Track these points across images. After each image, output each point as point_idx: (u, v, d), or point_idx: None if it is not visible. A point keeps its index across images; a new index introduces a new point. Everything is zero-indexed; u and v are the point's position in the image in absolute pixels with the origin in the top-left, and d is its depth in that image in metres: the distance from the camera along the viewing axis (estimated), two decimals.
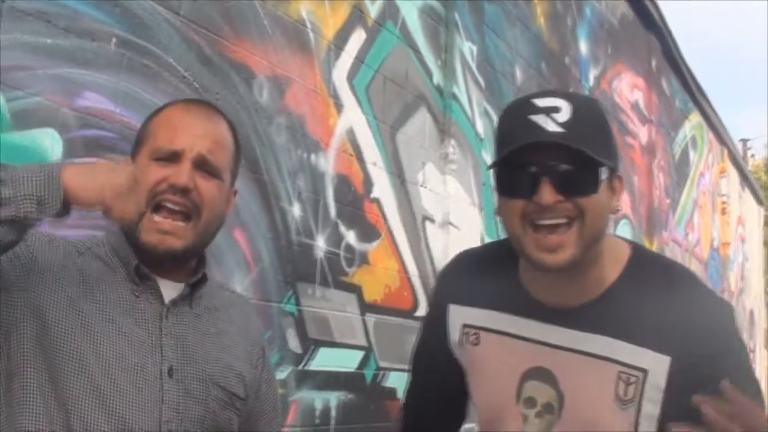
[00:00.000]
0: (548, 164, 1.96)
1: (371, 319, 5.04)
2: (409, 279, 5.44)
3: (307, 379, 4.51)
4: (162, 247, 2.07)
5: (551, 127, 1.94)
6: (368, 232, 5.07)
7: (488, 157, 6.30)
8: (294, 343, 4.43)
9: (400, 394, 5.15)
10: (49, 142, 3.21)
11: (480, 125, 6.21)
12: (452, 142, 5.84)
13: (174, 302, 2.13)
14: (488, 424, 2.25)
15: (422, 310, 5.52)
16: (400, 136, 5.41)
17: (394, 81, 5.36)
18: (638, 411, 2.05)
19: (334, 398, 4.71)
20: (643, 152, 9.76)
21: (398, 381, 5.20)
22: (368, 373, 5.00)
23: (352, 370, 4.89)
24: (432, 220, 5.67)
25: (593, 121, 2.03)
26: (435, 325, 2.34)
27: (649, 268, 2.15)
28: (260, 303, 4.20)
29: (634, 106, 9.63)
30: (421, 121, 5.64)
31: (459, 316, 2.27)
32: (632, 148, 9.43)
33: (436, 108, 5.79)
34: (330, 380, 4.69)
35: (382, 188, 5.21)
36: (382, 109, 5.23)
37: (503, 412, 2.18)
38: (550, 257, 1.98)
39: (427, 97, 5.70)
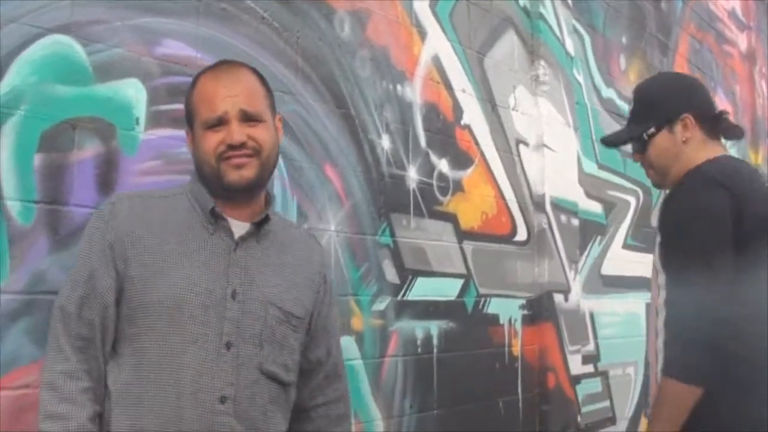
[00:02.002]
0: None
1: (469, 246, 5.04)
2: (506, 204, 5.42)
3: (406, 309, 4.55)
4: (241, 180, 2.54)
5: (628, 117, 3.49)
6: (461, 160, 5.06)
7: (580, 77, 6.22)
8: (391, 275, 4.46)
9: (503, 320, 5.19)
10: (133, 92, 3.27)
11: (570, 44, 6.11)
12: (542, 63, 5.77)
13: (242, 238, 2.59)
14: None
15: (521, 235, 5.50)
16: (488, 60, 5.36)
17: (478, 5, 5.30)
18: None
19: (434, 327, 4.73)
20: (743, 60, 9.52)
21: (500, 307, 5.22)
22: (468, 301, 5.01)
23: (452, 298, 4.90)
24: (526, 144, 5.63)
25: (639, 104, 3.43)
26: None
27: (696, 172, 3.22)
28: (355, 236, 4.24)
29: (731, 14, 9.38)
30: (508, 44, 5.58)
31: None
32: (731, 57, 9.21)
33: (523, 30, 5.72)
34: (430, 309, 4.71)
35: (473, 114, 5.18)
36: (468, 35, 5.19)
37: None
38: (652, 180, 3.49)
39: (514, 19, 5.64)
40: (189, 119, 2.66)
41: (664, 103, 3.34)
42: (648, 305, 3.49)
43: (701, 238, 3.00)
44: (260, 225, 2.63)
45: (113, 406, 2.46)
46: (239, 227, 2.59)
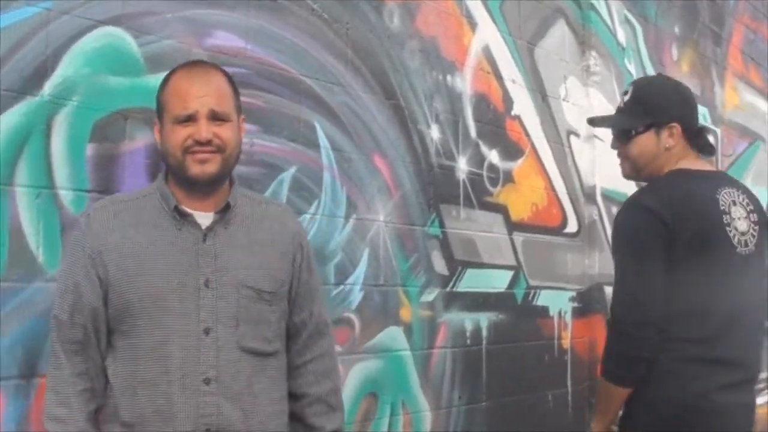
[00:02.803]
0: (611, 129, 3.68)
1: (519, 237, 5.03)
2: (556, 195, 5.40)
3: (455, 300, 4.55)
4: (203, 174, 2.69)
5: (621, 105, 3.63)
6: (511, 150, 5.05)
7: (632, 67, 6.18)
8: (440, 266, 4.46)
9: (552, 312, 5.17)
10: None
11: (621, 34, 6.08)
12: (593, 53, 5.74)
13: (209, 228, 2.75)
14: None
15: (572, 227, 5.49)
16: (539, 51, 5.34)
17: None
18: None
19: (484, 319, 4.73)
20: None
21: (550, 299, 5.21)
22: (518, 293, 5.01)
23: (501, 290, 4.90)
24: (577, 135, 5.60)
25: (639, 99, 3.55)
26: None
27: (657, 181, 3.52)
28: (404, 227, 4.24)
29: None
30: (559, 34, 5.55)
31: None
32: None
33: (574, 20, 5.69)
34: (479, 301, 4.71)
35: (523, 105, 5.16)
36: (518, 25, 5.17)
37: None
38: (622, 171, 3.64)
39: (565, 9, 5.60)
40: (159, 112, 2.77)
41: (659, 106, 3.52)
42: None
43: (631, 254, 3.38)
44: (224, 213, 2.78)
45: (118, 396, 2.66)
46: (205, 218, 2.75)
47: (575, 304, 5.43)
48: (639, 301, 3.28)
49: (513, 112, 5.07)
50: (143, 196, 2.79)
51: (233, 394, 2.69)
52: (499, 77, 4.98)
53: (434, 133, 4.48)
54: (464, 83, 4.72)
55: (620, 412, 3.48)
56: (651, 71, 6.47)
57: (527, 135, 5.17)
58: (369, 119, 4.09)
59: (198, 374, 2.65)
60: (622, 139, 3.56)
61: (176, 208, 2.72)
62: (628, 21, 6.20)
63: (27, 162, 2.81)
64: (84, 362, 2.65)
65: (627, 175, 3.64)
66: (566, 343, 5.35)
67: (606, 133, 5.60)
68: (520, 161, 5.10)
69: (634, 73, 6.20)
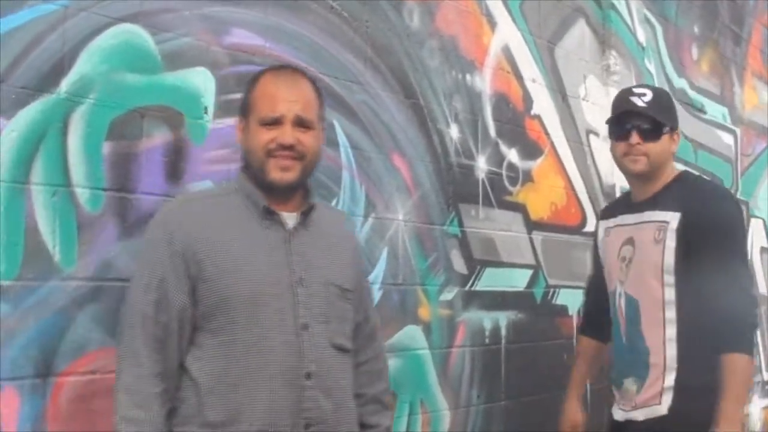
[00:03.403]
0: (637, 124, 3.67)
1: (538, 237, 5.02)
2: (576, 195, 5.39)
3: (474, 299, 4.54)
4: (282, 180, 2.76)
5: (640, 103, 3.67)
6: (531, 150, 5.03)
7: (651, 66, 6.15)
8: (459, 265, 4.45)
9: (572, 310, 5.16)
10: (201, 80, 3.29)
11: (641, 34, 6.06)
12: (613, 53, 5.72)
13: (294, 229, 2.81)
14: (608, 281, 3.87)
15: (591, 226, 5.45)
16: (559, 50, 5.32)
17: None
18: (664, 244, 3.60)
19: (503, 317, 4.72)
20: None
21: (569, 298, 5.18)
22: (538, 292, 4.99)
23: (520, 289, 4.88)
24: (596, 134, 5.58)
25: (663, 99, 3.76)
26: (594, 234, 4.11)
27: (688, 178, 3.85)
28: (423, 226, 4.23)
29: None
30: (579, 33, 5.53)
31: (602, 225, 3.99)
32: None
33: (594, 19, 5.66)
34: (498, 300, 4.70)
35: (543, 104, 5.15)
36: (538, 24, 5.16)
37: (611, 269, 3.84)
38: (633, 165, 3.70)
39: (585, 9, 5.58)
40: (244, 111, 2.83)
41: (675, 112, 3.82)
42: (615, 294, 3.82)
43: (741, 243, 3.77)
44: (306, 215, 2.85)
45: (205, 395, 2.65)
46: (289, 218, 2.81)
47: None
48: (751, 294, 3.68)
49: (532, 112, 5.05)
50: (227, 194, 2.86)
51: (327, 389, 2.75)
52: (518, 76, 4.96)
53: (453, 132, 4.47)
54: (484, 82, 4.70)
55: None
56: (671, 71, 6.46)
57: (547, 134, 5.15)
58: (388, 118, 4.08)
59: (300, 368, 2.69)
60: (649, 135, 3.66)
61: (265, 208, 2.77)
62: (647, 20, 6.18)
63: (43, 160, 2.79)
64: (163, 362, 2.65)
65: (640, 171, 3.70)
66: None
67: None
68: (539, 160, 5.08)
69: (654, 72, 6.18)
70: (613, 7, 5.76)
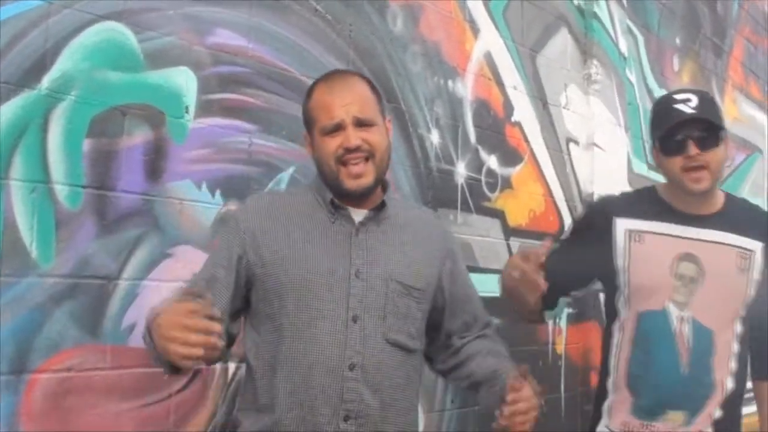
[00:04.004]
0: (691, 133, 3.22)
1: (516, 243, 5.02)
2: (554, 202, 5.40)
3: None
4: (359, 188, 2.78)
5: (688, 110, 3.23)
6: (510, 156, 5.04)
7: (632, 77, 6.18)
8: None
9: (547, 317, 5.15)
10: (184, 80, 3.29)
11: (623, 44, 6.08)
12: (595, 62, 5.74)
13: (362, 223, 2.84)
14: (641, 296, 3.33)
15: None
16: (540, 58, 5.34)
17: (533, 3, 5.28)
18: (749, 275, 3.32)
19: None
20: None
21: None
22: None
23: (496, 294, 4.87)
24: (576, 142, 5.60)
25: (713, 104, 3.35)
26: (596, 227, 3.44)
27: (738, 199, 3.56)
28: None
29: None
30: (562, 42, 5.55)
31: (622, 224, 3.39)
32: None
33: (577, 28, 5.69)
34: None
35: (524, 111, 5.16)
36: (521, 32, 5.17)
37: (658, 285, 3.30)
38: (696, 185, 3.25)
39: (568, 17, 5.61)
40: (308, 125, 2.88)
41: (722, 115, 3.43)
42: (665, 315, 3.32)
43: None
44: (378, 211, 2.87)
45: (258, 380, 2.76)
46: (359, 214, 2.85)
47: (570, 311, 5.41)
48: None
49: (513, 119, 5.07)
50: (299, 192, 2.98)
51: (374, 384, 2.74)
52: (500, 83, 4.98)
53: (434, 137, 4.48)
54: (465, 88, 4.72)
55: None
56: (652, 81, 6.48)
57: (527, 141, 5.17)
58: None
59: (344, 359, 2.71)
60: (707, 143, 3.25)
61: (332, 202, 2.82)
62: (630, 31, 6.20)
63: (23, 156, 2.79)
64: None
65: (705, 189, 3.28)
66: (560, 349, 5.35)
67: (606, 142, 5.65)
68: (518, 167, 5.10)
69: (635, 83, 6.20)
70: (595, 16, 5.78)
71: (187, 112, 3.29)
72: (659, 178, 3.63)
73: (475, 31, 4.81)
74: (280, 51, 3.67)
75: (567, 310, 5.37)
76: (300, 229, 2.80)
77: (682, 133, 3.24)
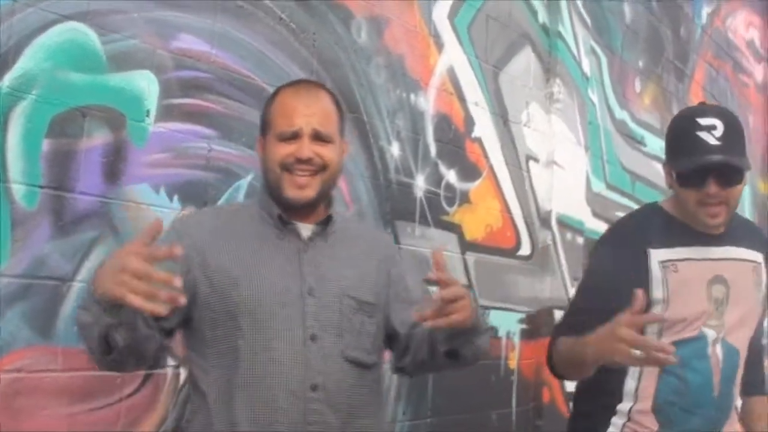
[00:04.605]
0: (715, 170, 2.97)
1: (472, 257, 5.05)
2: (512, 218, 5.43)
3: None
4: (301, 199, 2.71)
5: (712, 141, 2.96)
6: (469, 172, 5.07)
7: (594, 97, 6.23)
8: None
9: (501, 332, 5.19)
10: (146, 84, 3.29)
11: (586, 64, 6.13)
12: (557, 81, 5.78)
13: (310, 239, 2.76)
14: (680, 326, 3.11)
15: (525, 250, 5.51)
16: (503, 75, 5.37)
17: (498, 20, 5.32)
18: (760, 288, 3.27)
19: None
20: (758, 90, 9.50)
21: (499, 319, 5.22)
22: None
23: None
24: (536, 160, 5.64)
25: (739, 133, 3.06)
26: (631, 260, 3.10)
27: (735, 215, 3.26)
28: None
29: (749, 44, 9.37)
30: (525, 60, 5.59)
31: (655, 256, 3.12)
32: (747, 87, 9.20)
33: (541, 47, 5.73)
34: None
35: (484, 127, 5.19)
36: (485, 49, 5.21)
37: (697, 314, 3.12)
38: (712, 220, 3.06)
39: (532, 36, 5.65)
40: (264, 128, 2.80)
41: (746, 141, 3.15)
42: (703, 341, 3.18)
43: None
44: (324, 225, 2.80)
45: (212, 405, 2.62)
46: (306, 229, 2.77)
47: (524, 326, 5.45)
48: None
49: (473, 134, 5.09)
50: (241, 207, 2.93)
51: (335, 403, 2.65)
52: (462, 99, 5.00)
53: (394, 149, 4.49)
54: (427, 102, 4.74)
55: None
56: (613, 102, 6.54)
57: (486, 157, 5.19)
58: None
59: (306, 380, 2.62)
60: (729, 181, 3.03)
61: (279, 217, 2.74)
62: (593, 51, 6.25)
63: None
64: None
65: (720, 224, 3.11)
66: (513, 364, 5.38)
67: (565, 160, 5.69)
68: (477, 182, 5.12)
69: (597, 103, 6.25)
70: (560, 35, 5.82)
71: (148, 115, 3.28)
72: (617, 198, 3.65)
73: (439, 45, 4.84)
74: (243, 58, 3.68)
75: (521, 326, 5.41)
76: (249, 247, 2.71)
77: (703, 168, 2.99)
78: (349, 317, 2.72)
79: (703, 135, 2.98)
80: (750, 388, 3.42)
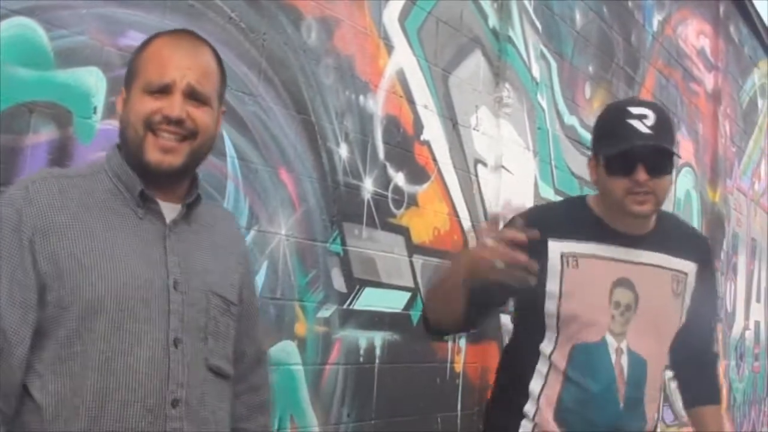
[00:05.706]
0: (643, 157, 2.95)
1: (419, 260, 5.06)
2: (459, 222, 5.45)
3: (351, 318, 4.57)
4: (164, 165, 2.28)
5: (644, 129, 2.95)
6: (418, 175, 5.08)
7: (544, 102, 6.26)
8: (339, 283, 4.48)
9: (447, 336, 5.20)
10: (93, 81, 3.27)
11: (536, 69, 6.16)
12: (507, 85, 5.81)
13: (175, 222, 2.35)
14: (576, 326, 3.07)
15: None
16: (453, 79, 5.39)
17: (448, 23, 5.34)
18: (683, 299, 3.19)
19: (378, 338, 4.75)
20: (708, 99, 9.61)
21: None
22: (414, 314, 5.02)
23: (398, 310, 4.93)
24: (484, 164, 5.66)
25: (669, 124, 3.08)
26: (528, 246, 2.73)
27: (669, 215, 3.38)
28: (305, 242, 4.25)
29: (700, 53, 9.47)
30: (474, 64, 5.61)
31: (556, 247, 3.07)
32: (697, 95, 9.30)
33: (491, 51, 5.76)
34: (375, 320, 4.73)
35: (433, 131, 5.21)
36: (435, 52, 5.22)
37: (595, 314, 3.07)
38: (639, 207, 3.01)
39: (482, 40, 5.67)
40: (128, 79, 2.37)
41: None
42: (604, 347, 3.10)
43: None
44: (191, 206, 2.41)
45: (50, 421, 2.15)
46: (169, 210, 2.35)
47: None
48: None
49: (422, 137, 5.11)
50: (91, 174, 2.35)
51: (199, 421, 2.29)
52: (411, 101, 5.02)
53: (343, 151, 4.50)
54: (376, 104, 4.75)
55: None
56: (563, 107, 6.58)
57: (434, 161, 5.21)
58: (278, 132, 4.09)
59: (165, 394, 2.21)
60: (658, 169, 3.02)
61: (141, 193, 2.31)
62: (543, 56, 6.29)
63: None
64: None
65: (648, 213, 3.08)
66: (459, 367, 5.40)
67: (514, 165, 5.71)
68: (425, 186, 5.14)
69: (546, 108, 6.29)
70: (510, 40, 5.85)
71: (95, 112, 3.27)
72: None
73: (389, 48, 4.85)
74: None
75: None
76: (102, 227, 2.24)
77: (632, 155, 2.97)
78: (216, 319, 2.37)
79: (635, 123, 2.97)
80: (699, 399, 3.46)
